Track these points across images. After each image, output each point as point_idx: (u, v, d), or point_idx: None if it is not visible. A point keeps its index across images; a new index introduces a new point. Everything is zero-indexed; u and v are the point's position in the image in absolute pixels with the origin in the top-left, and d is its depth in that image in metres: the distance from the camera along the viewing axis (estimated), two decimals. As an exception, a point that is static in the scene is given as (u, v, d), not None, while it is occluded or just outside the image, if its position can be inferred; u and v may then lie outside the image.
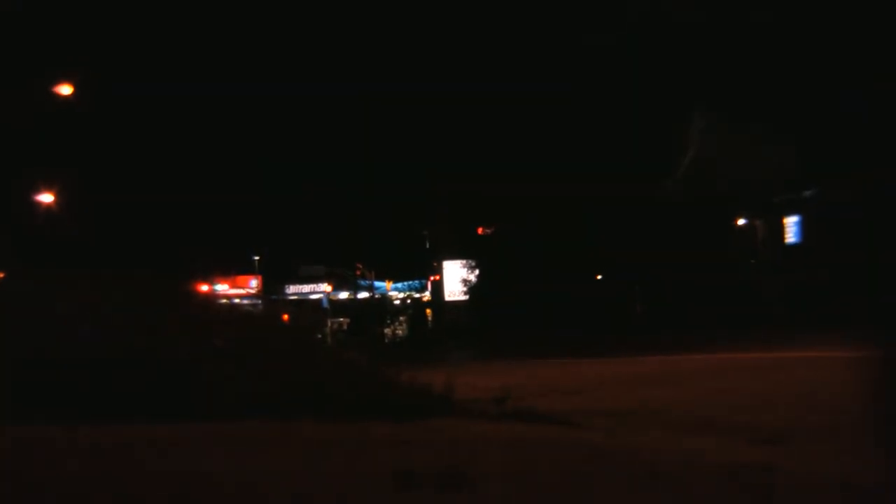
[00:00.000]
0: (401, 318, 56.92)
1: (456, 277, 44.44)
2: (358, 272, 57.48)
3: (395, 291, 62.25)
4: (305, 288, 58.86)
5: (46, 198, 23.49)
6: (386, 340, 48.17)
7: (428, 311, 55.60)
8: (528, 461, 4.76)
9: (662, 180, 31.48)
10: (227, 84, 56.08)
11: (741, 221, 33.29)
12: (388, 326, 54.06)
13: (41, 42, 23.35)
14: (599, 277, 34.46)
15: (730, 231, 32.87)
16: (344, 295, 59.34)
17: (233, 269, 52.77)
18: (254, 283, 54.75)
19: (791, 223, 31.77)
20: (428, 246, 53.96)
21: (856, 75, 23.90)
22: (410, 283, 62.59)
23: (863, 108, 23.70)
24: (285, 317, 28.12)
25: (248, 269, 54.82)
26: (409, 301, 61.72)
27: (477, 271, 39.90)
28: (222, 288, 50.43)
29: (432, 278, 53.91)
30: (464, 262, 41.80)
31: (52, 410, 5.77)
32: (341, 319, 53.73)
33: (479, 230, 40.35)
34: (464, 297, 43.07)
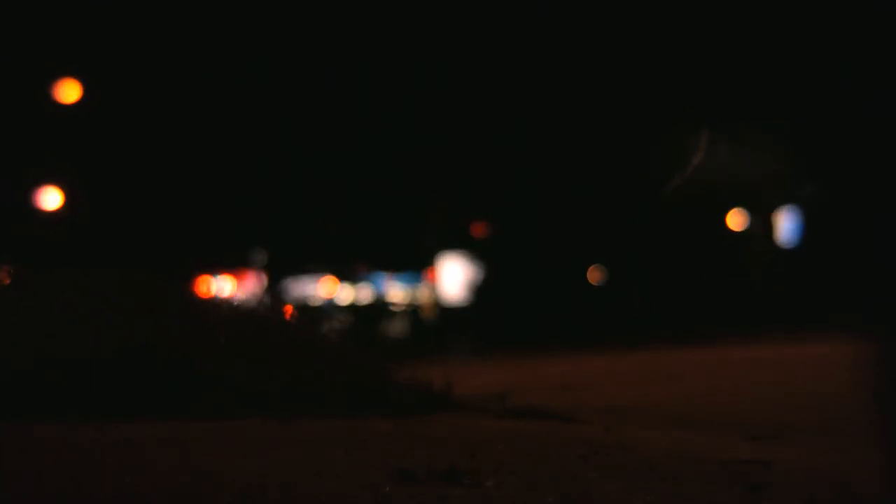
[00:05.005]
0: (400, 314, 56.69)
1: (455, 273, 44.37)
2: (358, 268, 57.38)
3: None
4: (305, 284, 58.67)
5: (47, 198, 23.50)
6: (385, 336, 48.01)
7: (427, 306, 55.44)
8: (527, 456, 4.81)
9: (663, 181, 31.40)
10: (227, 84, 55.97)
11: (740, 220, 33.28)
12: (387, 321, 53.87)
13: (41, 42, 23.34)
14: (598, 275, 34.50)
15: (728, 229, 32.87)
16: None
17: (233, 266, 52.66)
18: (254, 281, 54.62)
19: (790, 222, 31.79)
20: (427, 241, 53.82)
21: (855, 75, 23.92)
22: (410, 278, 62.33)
23: (864, 108, 23.72)
24: (285, 313, 28.02)
25: (249, 267, 54.66)
26: (408, 297, 61.48)
27: (476, 267, 39.92)
28: (222, 285, 50.35)
29: (431, 274, 53.80)
30: (463, 257, 41.76)
31: (51, 410, 5.81)
32: (341, 315, 53.50)
33: (480, 226, 40.33)
34: (463, 293, 43.01)
